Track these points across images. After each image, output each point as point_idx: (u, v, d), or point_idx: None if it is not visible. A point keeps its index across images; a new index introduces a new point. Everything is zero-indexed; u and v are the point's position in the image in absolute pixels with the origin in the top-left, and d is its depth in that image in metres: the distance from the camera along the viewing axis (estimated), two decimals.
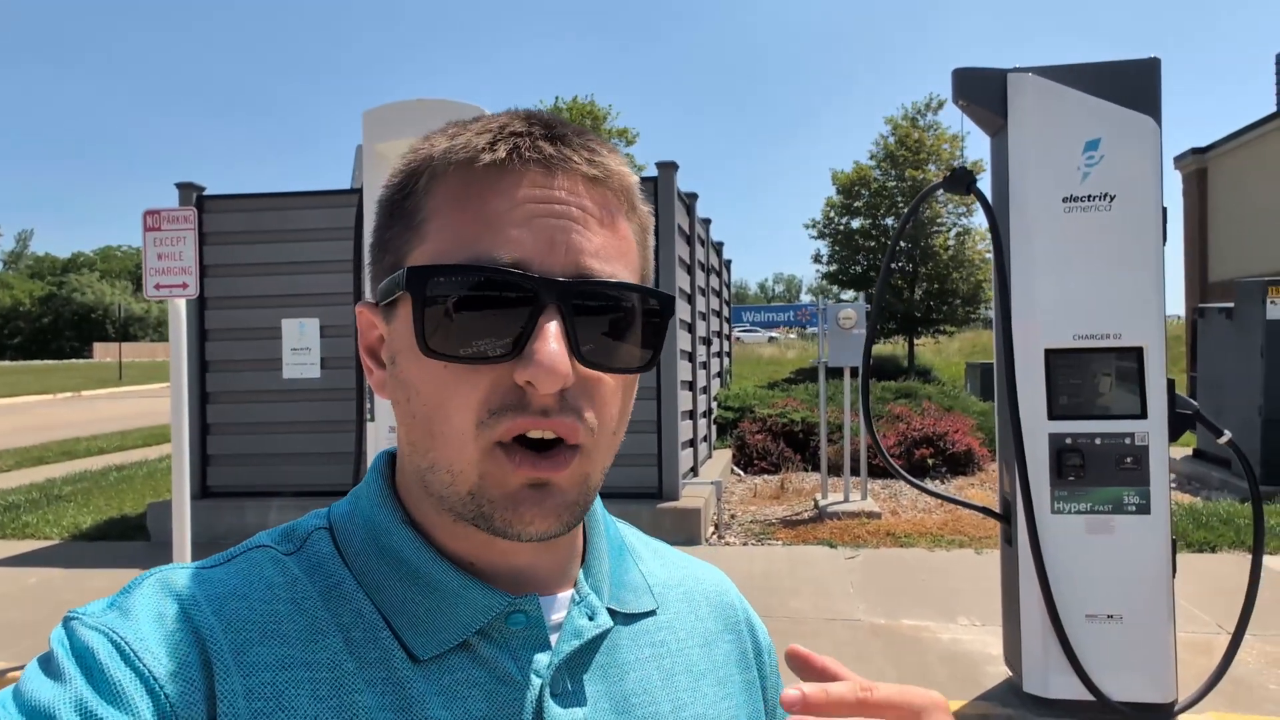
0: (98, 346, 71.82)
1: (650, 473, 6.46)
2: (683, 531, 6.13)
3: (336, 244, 6.14)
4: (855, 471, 7.50)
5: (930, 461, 8.61)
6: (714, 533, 6.48)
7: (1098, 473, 3.08)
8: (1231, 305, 7.97)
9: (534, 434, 0.47)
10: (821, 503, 7.11)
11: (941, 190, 3.29)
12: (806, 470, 9.18)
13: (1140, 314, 3.08)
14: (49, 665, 0.44)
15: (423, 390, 0.48)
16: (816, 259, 23.85)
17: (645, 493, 6.41)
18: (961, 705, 3.35)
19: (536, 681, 0.50)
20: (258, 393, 6.76)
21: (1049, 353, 3.13)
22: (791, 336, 43.51)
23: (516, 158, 0.48)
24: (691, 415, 7.30)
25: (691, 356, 7.33)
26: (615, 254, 0.50)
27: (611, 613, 0.56)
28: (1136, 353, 3.07)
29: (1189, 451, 8.93)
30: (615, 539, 0.62)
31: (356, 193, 4.91)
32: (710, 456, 8.84)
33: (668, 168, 6.50)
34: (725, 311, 11.92)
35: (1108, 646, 3.07)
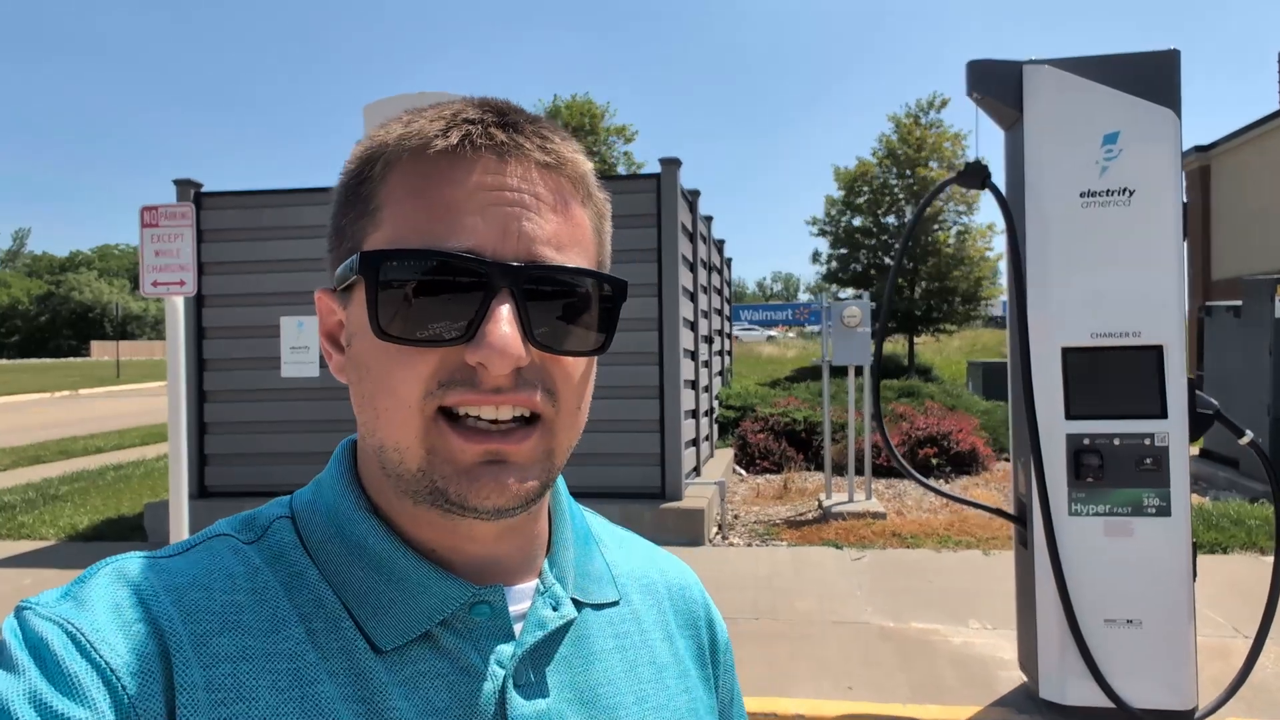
0: (95, 345, 71.77)
1: (653, 472, 6.38)
2: (686, 532, 6.06)
3: None
4: (859, 471, 7.43)
5: (934, 461, 8.54)
6: (717, 533, 6.41)
7: (1117, 474, 3.00)
8: (1239, 303, 7.90)
9: (487, 414, 0.47)
10: (826, 503, 7.04)
11: (955, 185, 3.21)
12: (809, 470, 9.11)
13: (1160, 311, 3.01)
14: (1, 656, 0.43)
15: (372, 369, 0.49)
16: (816, 257, 23.81)
17: (648, 493, 6.34)
18: (976, 711, 3.28)
19: (499, 673, 0.50)
20: (256, 391, 6.69)
21: (1066, 351, 3.06)
22: (790, 335, 43.52)
23: (469, 145, 0.49)
24: (694, 414, 7.23)
25: (694, 355, 7.26)
26: (569, 240, 0.50)
27: (577, 603, 0.56)
28: (1156, 351, 3.00)
29: (1195, 451, 8.87)
30: (581, 528, 0.62)
31: None
32: (712, 456, 8.77)
33: (671, 164, 6.42)
34: (726, 310, 11.85)
35: (1127, 652, 3.00)
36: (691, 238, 7.22)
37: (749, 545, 6.04)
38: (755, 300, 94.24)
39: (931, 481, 8.86)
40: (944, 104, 22.18)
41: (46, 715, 0.40)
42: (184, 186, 6.90)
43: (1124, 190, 3.01)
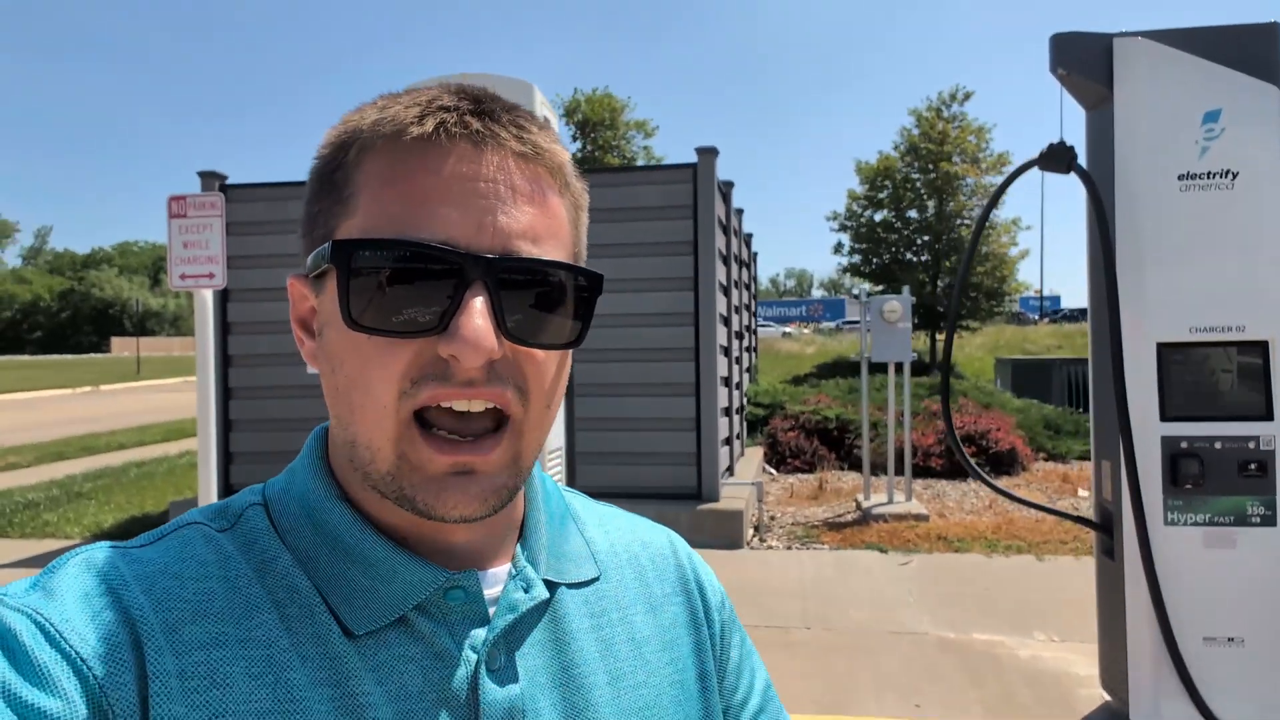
0: (115, 341, 72.53)
1: (688, 472, 6.19)
2: (724, 534, 5.86)
3: None
4: (899, 471, 7.21)
5: (973, 461, 8.30)
6: (754, 535, 6.21)
7: (1218, 480, 2.78)
8: None
9: (459, 407, 0.47)
10: (864, 504, 6.83)
11: (1038, 169, 2.98)
12: (843, 469, 8.90)
13: (1266, 304, 2.78)
14: None
15: (346, 362, 0.48)
16: (839, 248, 23.53)
17: (684, 494, 6.15)
18: None
19: (473, 657, 0.50)
20: (281, 388, 6.55)
21: (1162, 347, 2.83)
22: (805, 331, 43.30)
23: (444, 133, 0.48)
24: (728, 412, 7.03)
25: (728, 351, 7.05)
26: (544, 232, 0.50)
27: (551, 584, 0.56)
28: (1262, 347, 2.77)
29: None
30: (558, 507, 0.61)
31: None
32: (743, 454, 8.57)
33: (707, 154, 6.21)
34: (753, 305, 11.63)
35: (1228, 672, 2.77)
36: (725, 230, 7.01)
37: (789, 548, 5.83)
38: (768, 296, 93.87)
39: (966, 483, 8.76)
40: (967, 97, 21.84)
41: (16, 706, 0.40)
42: (209, 179, 6.77)
43: (1227, 173, 2.78)
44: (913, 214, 21.84)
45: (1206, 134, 2.80)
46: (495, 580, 0.54)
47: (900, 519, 6.40)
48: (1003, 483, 8.07)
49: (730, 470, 7.19)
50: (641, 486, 6.18)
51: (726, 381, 6.93)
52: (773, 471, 8.83)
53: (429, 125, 0.48)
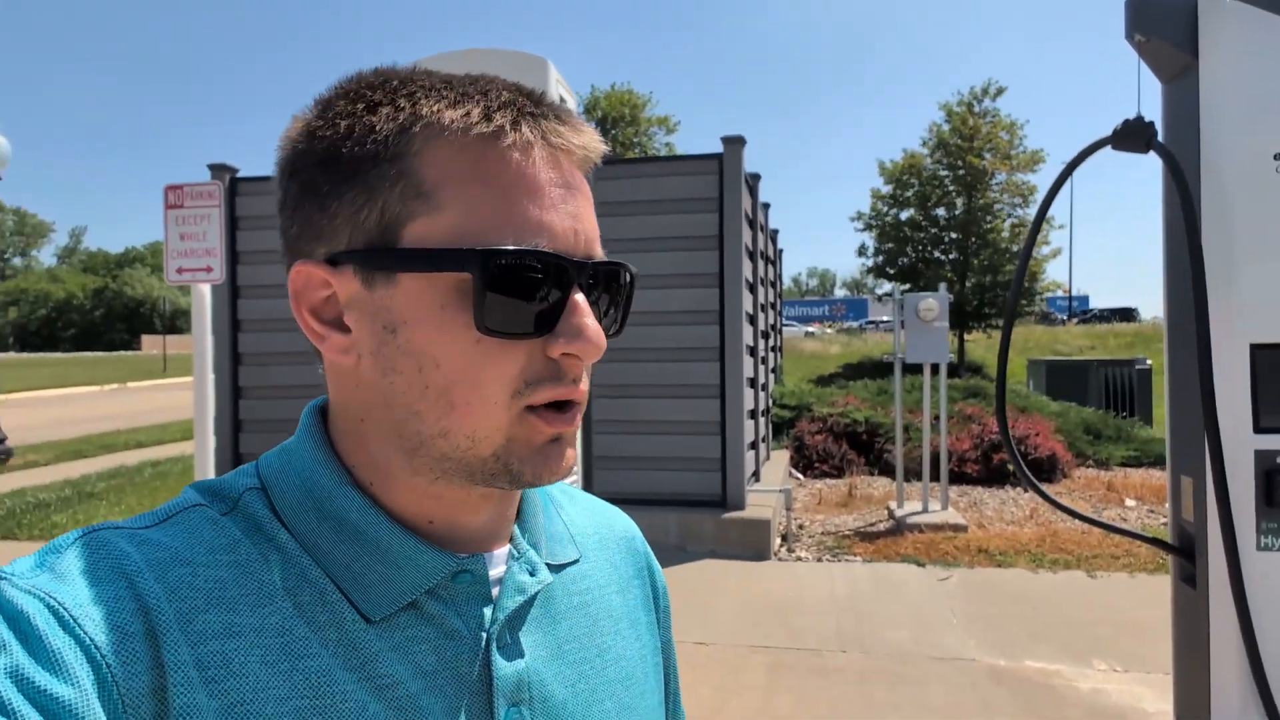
0: (145, 339, 73.67)
1: (713, 479, 5.90)
2: (750, 544, 5.56)
3: None
4: (934, 477, 6.86)
5: (1011, 467, 7.92)
6: (782, 545, 5.90)
7: None
8: None
9: (564, 400, 0.51)
10: (898, 512, 6.49)
11: (1111, 148, 2.66)
12: (873, 474, 8.55)
13: None
14: None
15: (446, 363, 0.49)
16: (863, 251, 23.13)
17: (708, 501, 5.85)
18: None
19: (481, 636, 0.53)
20: (292, 388, 6.34)
21: (1256, 349, 2.48)
22: (829, 331, 42.88)
23: (536, 136, 0.49)
24: (753, 415, 6.72)
25: (754, 351, 6.74)
26: (599, 232, 0.53)
27: (546, 567, 0.58)
28: None
29: None
30: (541, 490, 0.63)
31: None
32: (768, 458, 8.25)
33: (734, 143, 5.91)
34: (779, 304, 11.30)
35: None
36: (752, 225, 6.70)
37: (819, 560, 5.51)
38: (791, 295, 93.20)
39: (1004, 490, 8.48)
40: (999, 92, 21.36)
41: (29, 692, 0.39)
42: (219, 172, 6.57)
43: None
44: (940, 212, 21.40)
45: None
46: (495, 561, 0.56)
47: (937, 529, 6.06)
48: (1050, 494, 7.69)
49: (756, 476, 6.88)
50: (663, 493, 5.89)
51: (752, 383, 6.62)
52: (799, 476, 8.51)
53: (526, 132, 0.49)
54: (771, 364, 9.83)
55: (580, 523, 0.66)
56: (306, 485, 0.53)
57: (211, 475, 3.89)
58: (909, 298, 6.45)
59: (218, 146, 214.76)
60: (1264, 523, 2.56)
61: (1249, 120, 2.57)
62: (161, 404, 19.47)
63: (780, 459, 8.50)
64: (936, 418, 7.03)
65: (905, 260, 21.71)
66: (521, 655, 0.54)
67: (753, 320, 6.74)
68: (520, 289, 0.48)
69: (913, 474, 7.90)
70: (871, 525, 6.40)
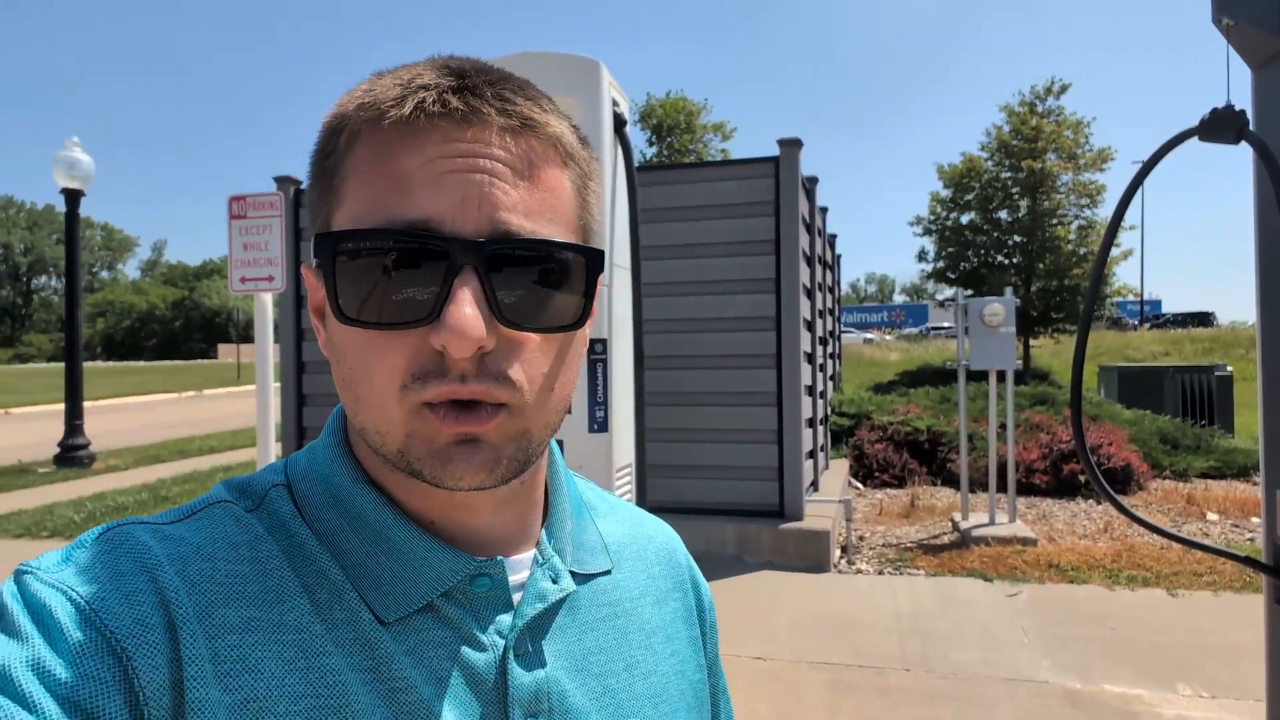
0: (221, 348, 76.70)
1: (769, 488, 5.78)
2: (809, 556, 5.43)
3: None
4: (1000, 488, 6.61)
5: (1082, 478, 7.60)
6: (841, 557, 5.75)
7: None
8: None
9: (463, 399, 0.47)
10: (962, 525, 6.27)
11: (1199, 139, 2.50)
12: (935, 484, 8.31)
13: None
14: (2, 621, 0.42)
15: (349, 354, 0.48)
16: (923, 256, 22.62)
17: (765, 511, 5.74)
18: None
19: (500, 643, 0.51)
20: None
21: None
22: (888, 338, 42.06)
23: (422, 113, 0.46)
24: (812, 423, 6.58)
25: (811, 358, 6.61)
26: (539, 207, 0.48)
27: (573, 575, 0.57)
28: None
29: None
30: (575, 498, 0.62)
31: None
32: (827, 468, 8.08)
33: (790, 145, 5.81)
34: (837, 310, 11.10)
35: None
36: (809, 229, 6.58)
37: (880, 573, 5.35)
38: (849, 302, 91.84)
39: (1075, 502, 8.10)
40: (1063, 90, 20.70)
41: (49, 683, 0.40)
42: (284, 183, 6.73)
43: None
44: (1003, 215, 20.80)
45: None
46: (518, 567, 0.54)
47: (1004, 542, 5.83)
48: (1126, 506, 7.36)
49: (814, 485, 6.73)
50: (719, 502, 5.81)
51: (810, 390, 6.49)
52: (859, 486, 8.32)
53: (408, 107, 0.46)
54: (830, 371, 9.65)
55: (616, 533, 0.64)
56: (327, 484, 0.52)
57: None
58: (973, 303, 6.25)
59: (292, 161, 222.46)
60: None
61: None
62: (234, 410, 20.19)
63: (839, 468, 8.32)
64: (1003, 426, 6.79)
65: (967, 265, 21.16)
66: (542, 665, 0.52)
67: (810, 326, 6.61)
68: (377, 272, 0.45)
69: (977, 485, 7.64)
70: (935, 537, 6.20)
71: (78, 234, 10.50)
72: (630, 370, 3.17)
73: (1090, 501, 7.33)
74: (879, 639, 4.08)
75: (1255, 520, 6.63)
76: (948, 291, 21.78)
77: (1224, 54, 2.75)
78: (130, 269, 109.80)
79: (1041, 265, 19.95)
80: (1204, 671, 3.61)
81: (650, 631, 0.60)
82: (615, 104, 3.06)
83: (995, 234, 20.88)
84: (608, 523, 0.64)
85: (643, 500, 3.12)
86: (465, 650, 0.50)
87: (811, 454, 6.53)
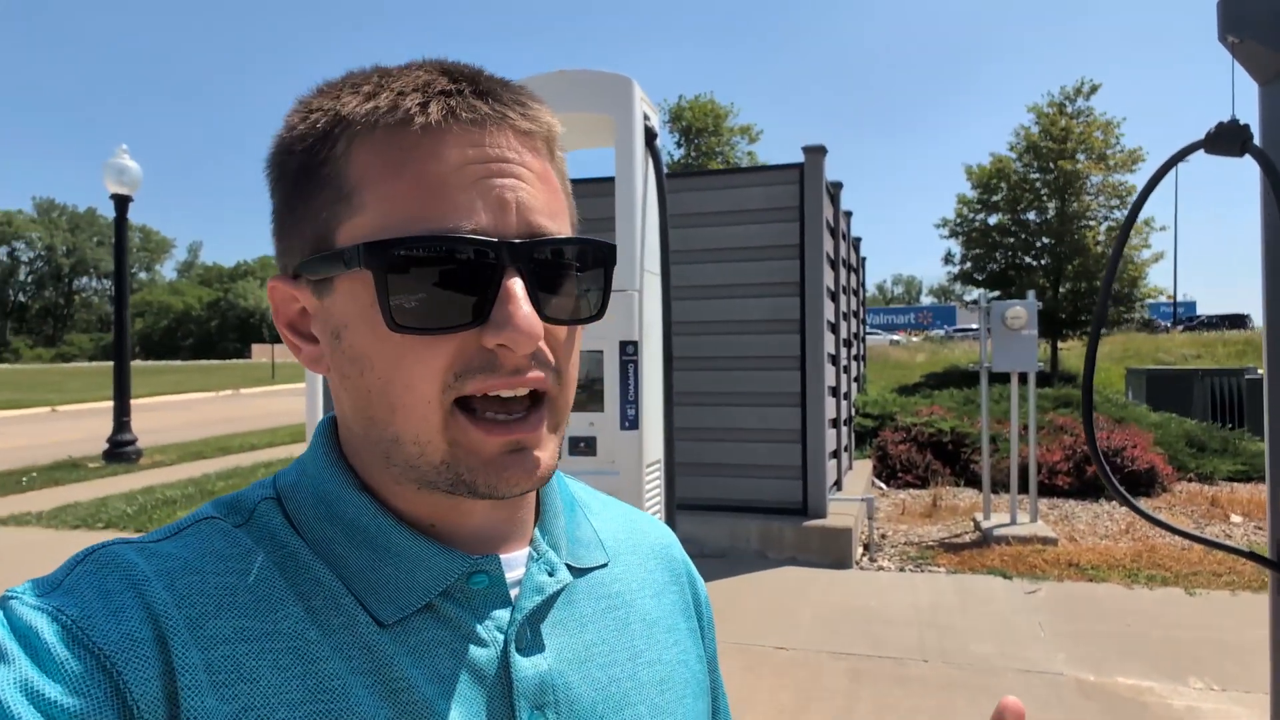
0: (255, 348, 77.91)
1: (793, 486, 5.93)
2: (830, 553, 5.57)
3: None
4: (1022, 489, 6.70)
5: (1104, 481, 7.64)
6: (864, 554, 5.88)
7: None
8: None
9: (505, 394, 0.48)
10: (984, 524, 6.37)
11: (1204, 152, 2.63)
12: (958, 485, 8.40)
13: None
14: None
15: (379, 363, 0.48)
16: (949, 258, 22.53)
17: (788, 508, 5.89)
18: None
19: (500, 638, 0.52)
20: None
21: None
22: (914, 340, 41.75)
23: (452, 118, 0.47)
24: (835, 423, 6.72)
25: (835, 360, 6.74)
26: (555, 206, 0.50)
27: (568, 569, 0.57)
28: None
29: None
30: (567, 495, 0.63)
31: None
32: (851, 468, 8.20)
33: (815, 153, 5.95)
34: (861, 312, 11.19)
35: None
36: (834, 233, 6.72)
37: (901, 570, 5.48)
38: (875, 303, 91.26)
39: (1099, 504, 8.18)
40: (1093, 90, 20.51)
41: (39, 704, 0.39)
42: None
43: None
44: (1031, 216, 20.67)
45: None
46: (514, 564, 0.55)
47: (1025, 542, 5.93)
48: (1141, 505, 7.40)
49: (838, 485, 6.87)
50: (743, 500, 5.97)
51: (834, 391, 6.63)
52: (882, 486, 8.43)
53: (435, 112, 0.47)
54: (854, 372, 9.75)
55: (610, 529, 0.64)
56: (318, 493, 0.52)
57: None
58: (996, 305, 6.35)
59: None
60: None
61: None
62: (270, 409, 20.65)
63: (863, 468, 8.44)
64: (1025, 428, 6.87)
65: (994, 266, 21.04)
66: (544, 658, 0.53)
67: (834, 328, 6.75)
68: (426, 279, 0.46)
69: (1000, 485, 7.72)
70: (956, 536, 6.31)
71: (126, 237, 10.91)
72: (660, 371, 3.34)
73: (1113, 503, 7.38)
74: (899, 632, 4.22)
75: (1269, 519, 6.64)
76: (975, 293, 21.66)
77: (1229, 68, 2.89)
78: (167, 270, 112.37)
79: (1070, 267, 19.81)
80: (1217, 666, 3.71)
81: (652, 622, 0.61)
82: (646, 118, 3.24)
83: (1023, 235, 20.76)
84: (601, 519, 0.65)
85: (671, 495, 3.29)
86: (467, 647, 0.51)
87: (835, 454, 6.66)
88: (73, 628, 0.42)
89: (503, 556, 0.54)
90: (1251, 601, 4.61)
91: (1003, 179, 20.78)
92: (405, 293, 0.46)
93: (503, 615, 0.52)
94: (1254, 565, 5.05)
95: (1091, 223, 19.91)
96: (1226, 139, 2.87)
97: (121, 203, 10.56)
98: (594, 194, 5.47)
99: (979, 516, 6.64)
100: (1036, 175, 20.51)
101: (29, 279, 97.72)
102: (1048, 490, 7.64)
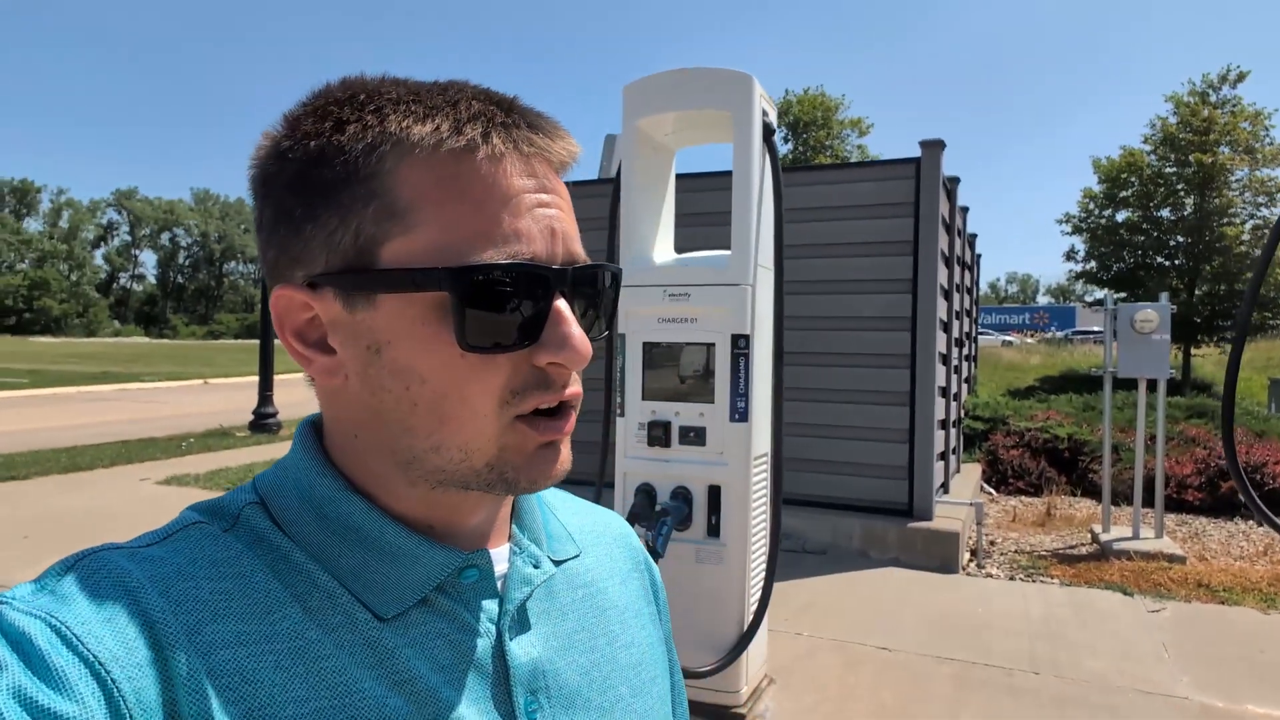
0: None
1: (899, 486, 5.81)
2: (936, 556, 5.44)
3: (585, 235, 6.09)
4: (1147, 502, 6.34)
5: (1243, 498, 7.13)
6: (971, 560, 5.71)
7: None
8: None
9: (547, 405, 0.52)
10: (1103, 536, 6.07)
11: None
12: (1074, 495, 8.01)
13: None
14: None
15: (432, 378, 0.49)
16: (1072, 254, 21.34)
17: (893, 509, 5.78)
18: None
19: (493, 628, 0.55)
20: None
21: None
22: (1029, 341, 39.78)
23: (512, 149, 0.50)
24: (944, 424, 6.53)
25: (946, 359, 6.55)
26: (578, 232, 0.54)
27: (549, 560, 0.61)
28: None
29: None
30: (535, 495, 0.65)
31: (609, 182, 4.75)
32: (959, 471, 7.95)
33: (932, 147, 5.79)
34: (975, 312, 10.79)
35: None
36: (948, 230, 6.52)
37: (1011, 579, 5.30)
38: (988, 302, 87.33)
39: (1234, 522, 7.49)
40: (1240, 78, 18.99)
41: (33, 711, 0.39)
42: None
43: None
44: (1165, 213, 19.32)
45: None
46: (497, 559, 0.57)
47: (1148, 558, 5.61)
48: None
49: (945, 487, 6.68)
50: (847, 498, 5.89)
51: (944, 392, 6.44)
52: (992, 491, 8.13)
53: (499, 143, 0.49)
54: (965, 373, 9.43)
55: (575, 522, 0.68)
56: (306, 495, 0.53)
57: None
58: (1123, 307, 6.02)
59: None
60: None
61: None
62: None
63: (971, 472, 8.17)
64: (1153, 438, 6.49)
65: (1121, 266, 19.81)
66: (534, 645, 0.56)
67: (946, 327, 6.55)
68: (498, 303, 0.48)
69: (1121, 497, 7.32)
70: (1071, 548, 6.04)
71: None
72: (770, 365, 3.36)
73: (1251, 523, 6.88)
74: (1007, 641, 4.10)
75: None
76: (1098, 293, 20.47)
77: None
78: None
79: (1208, 268, 18.45)
80: None
81: (622, 608, 0.65)
82: (765, 114, 3.25)
83: (1155, 233, 19.46)
84: (565, 513, 0.68)
85: (778, 489, 3.30)
86: (463, 637, 0.53)
87: (943, 455, 6.48)
88: (67, 634, 0.42)
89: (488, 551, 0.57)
90: None
91: (1134, 173, 19.51)
92: (479, 314, 0.48)
93: (492, 606, 0.55)
94: None
95: (1234, 220, 18.47)
96: None
97: None
98: (707, 189, 5.50)
99: (1097, 528, 6.33)
100: (1172, 169, 19.16)
101: (186, 262, 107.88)
102: (1175, 505, 7.19)
